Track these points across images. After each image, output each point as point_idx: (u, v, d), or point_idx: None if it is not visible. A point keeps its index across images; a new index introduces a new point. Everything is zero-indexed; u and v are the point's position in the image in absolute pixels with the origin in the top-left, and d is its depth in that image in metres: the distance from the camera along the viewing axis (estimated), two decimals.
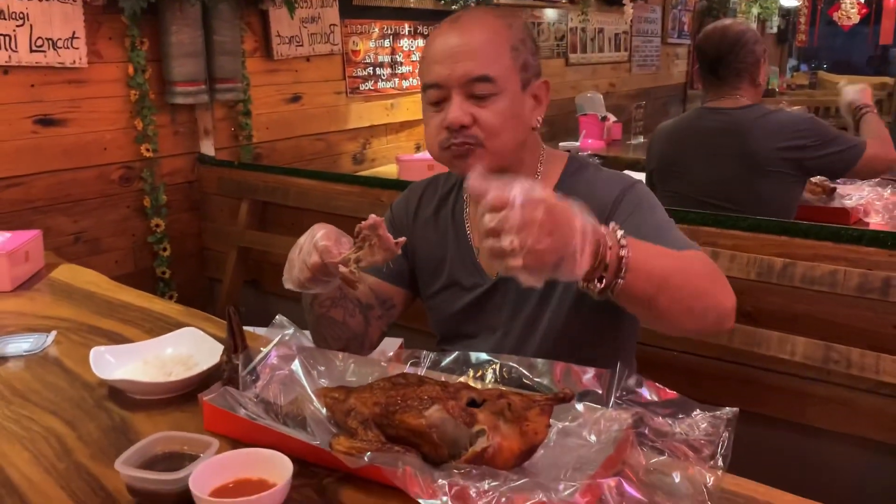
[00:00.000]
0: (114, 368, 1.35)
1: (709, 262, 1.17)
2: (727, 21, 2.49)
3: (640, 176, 2.90)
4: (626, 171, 1.45)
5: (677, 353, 1.82)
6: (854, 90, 2.54)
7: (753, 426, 1.81)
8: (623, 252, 0.98)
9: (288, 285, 1.20)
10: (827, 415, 1.71)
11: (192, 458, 1.01)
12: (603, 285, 0.98)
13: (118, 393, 1.31)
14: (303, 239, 1.18)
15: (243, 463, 0.98)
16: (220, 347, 1.26)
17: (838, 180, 2.63)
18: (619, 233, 0.99)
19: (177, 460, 1.02)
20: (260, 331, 1.40)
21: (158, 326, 1.64)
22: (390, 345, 1.90)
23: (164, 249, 2.90)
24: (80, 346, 1.53)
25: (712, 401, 1.09)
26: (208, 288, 3.12)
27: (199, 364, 1.34)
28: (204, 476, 0.95)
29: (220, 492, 0.95)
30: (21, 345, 1.53)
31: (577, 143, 4.13)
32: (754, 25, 8.39)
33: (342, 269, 1.11)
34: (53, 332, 1.59)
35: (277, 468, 0.97)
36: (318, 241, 1.13)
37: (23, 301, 1.84)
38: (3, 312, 1.74)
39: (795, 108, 2.86)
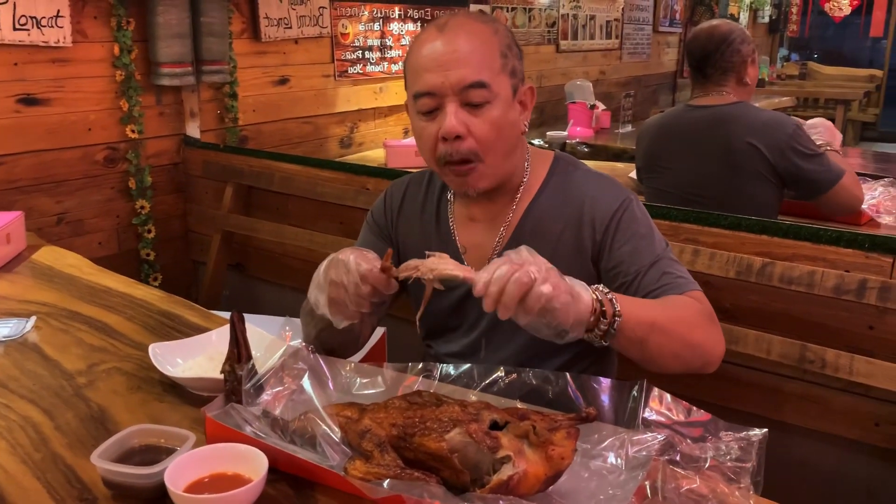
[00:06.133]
0: (176, 364, 1.33)
1: (698, 309, 1.22)
2: (716, 21, 2.48)
3: (629, 168, 2.93)
4: (614, 163, 1.47)
5: None
6: (820, 127, 2.40)
7: (729, 422, 1.84)
8: (611, 295, 1.08)
9: (343, 324, 1.17)
10: (801, 412, 1.73)
11: (170, 452, 1.01)
12: (606, 325, 1.07)
13: (96, 382, 1.31)
14: (325, 275, 1.14)
15: (219, 458, 0.99)
16: (278, 343, 1.22)
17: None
18: (608, 293, 1.09)
19: (153, 453, 1.02)
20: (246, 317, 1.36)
21: (140, 313, 1.64)
22: (374, 334, 1.91)
23: (149, 231, 2.89)
24: (61, 333, 1.53)
25: (689, 395, 1.09)
26: (193, 271, 3.12)
27: (259, 360, 1.24)
28: (179, 470, 0.95)
29: (196, 486, 0.96)
30: (0, 330, 1.52)
31: (565, 133, 4.12)
32: (746, 15, 8.39)
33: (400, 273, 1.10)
34: (33, 318, 1.58)
35: (253, 463, 0.97)
36: (360, 269, 1.10)
37: (3, 284, 1.83)
38: None
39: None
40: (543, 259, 1.03)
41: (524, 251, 1.03)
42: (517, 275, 0.98)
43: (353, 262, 1.11)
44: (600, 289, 1.08)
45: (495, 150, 1.26)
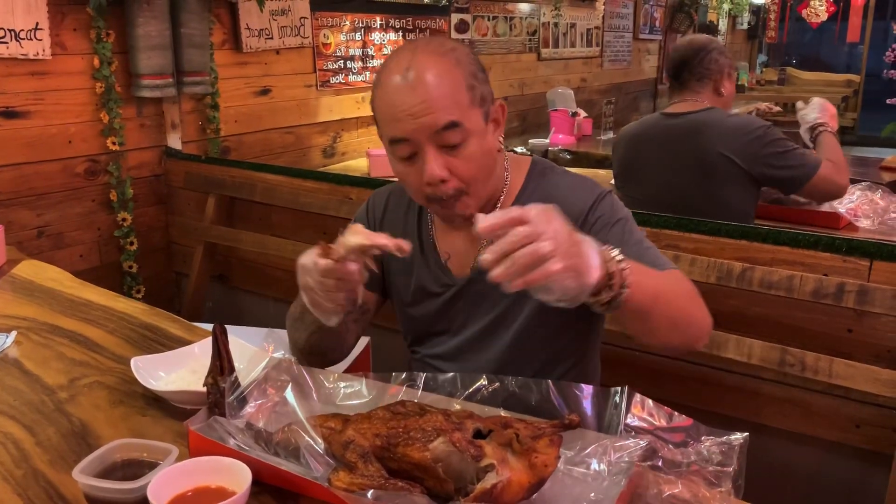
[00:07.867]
0: (159, 378, 1.32)
1: (688, 282, 1.22)
2: (698, 35, 2.54)
3: (611, 175, 2.95)
4: (596, 170, 1.48)
5: (639, 352, 1.85)
6: (816, 106, 2.45)
7: (711, 425, 1.86)
8: (623, 265, 1.02)
9: (332, 320, 1.19)
10: (782, 415, 1.75)
11: (152, 466, 1.01)
12: (610, 296, 1.02)
13: (78, 397, 1.30)
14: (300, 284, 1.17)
15: (202, 471, 0.99)
16: (261, 355, 1.21)
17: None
18: (615, 251, 1.03)
19: (136, 468, 1.02)
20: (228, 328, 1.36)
21: (122, 326, 1.63)
22: (358, 344, 1.91)
23: (131, 244, 2.87)
24: (42, 347, 1.52)
25: (672, 400, 1.10)
26: (175, 282, 3.10)
27: (241, 372, 1.23)
28: (162, 485, 0.95)
29: (179, 500, 0.95)
30: None
31: (547, 140, 4.15)
32: (725, 22, 8.48)
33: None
34: (13, 333, 1.57)
35: (236, 476, 0.97)
36: (318, 267, 1.11)
37: None
38: None
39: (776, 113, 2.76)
40: (564, 225, 0.95)
41: (552, 211, 0.95)
42: (530, 248, 0.91)
43: (311, 262, 1.13)
44: (616, 258, 1.02)
45: (478, 181, 1.27)
